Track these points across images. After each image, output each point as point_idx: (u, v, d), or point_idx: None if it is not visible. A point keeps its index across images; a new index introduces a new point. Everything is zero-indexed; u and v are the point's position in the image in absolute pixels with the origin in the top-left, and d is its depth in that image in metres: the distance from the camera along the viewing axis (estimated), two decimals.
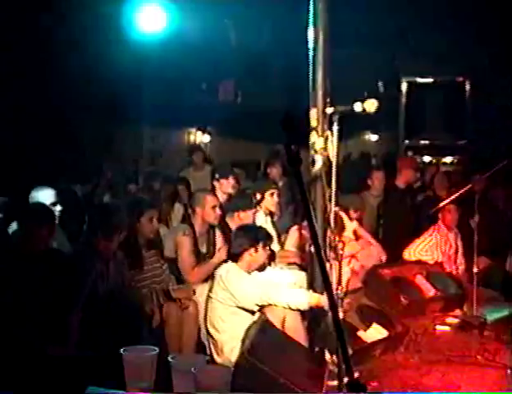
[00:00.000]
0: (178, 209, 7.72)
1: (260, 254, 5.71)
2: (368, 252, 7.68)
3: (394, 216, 8.03)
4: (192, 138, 15.12)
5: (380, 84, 10.61)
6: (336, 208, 7.29)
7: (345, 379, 2.08)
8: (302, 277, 6.01)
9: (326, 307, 4.50)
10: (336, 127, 4.36)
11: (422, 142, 11.00)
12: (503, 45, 9.34)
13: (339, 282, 4.56)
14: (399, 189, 8.42)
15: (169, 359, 2.55)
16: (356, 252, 7.43)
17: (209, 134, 15.05)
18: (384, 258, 7.79)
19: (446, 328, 6.85)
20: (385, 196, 8.45)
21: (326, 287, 2.04)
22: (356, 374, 5.05)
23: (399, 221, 7.99)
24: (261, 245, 5.69)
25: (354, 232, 7.64)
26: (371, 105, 4.20)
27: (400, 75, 10.65)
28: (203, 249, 6.48)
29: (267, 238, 5.82)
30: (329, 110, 4.53)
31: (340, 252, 4.49)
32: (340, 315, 4.60)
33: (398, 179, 8.41)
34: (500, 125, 10.91)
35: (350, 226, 7.54)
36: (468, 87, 10.42)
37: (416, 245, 8.00)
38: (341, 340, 1.93)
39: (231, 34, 10.63)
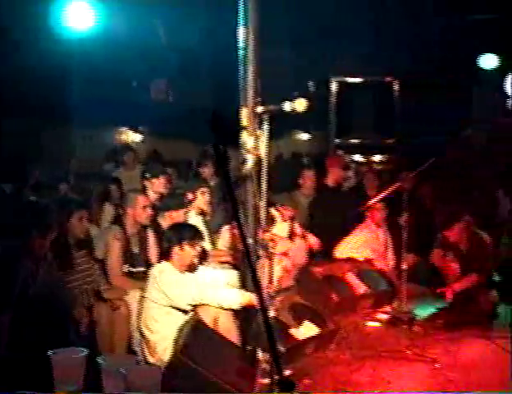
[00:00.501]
0: (108, 209, 7.62)
1: (187, 253, 5.67)
2: (302, 250, 7.74)
3: (323, 215, 8.10)
4: (123, 137, 14.97)
5: (310, 83, 10.69)
6: (273, 207, 7.41)
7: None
8: (234, 276, 6.02)
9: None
10: (266, 126, 4.38)
11: (352, 141, 11.13)
12: (428, 45, 9.54)
13: (270, 281, 4.59)
14: (328, 188, 8.49)
15: (98, 360, 2.51)
16: (288, 250, 7.48)
17: (141, 133, 14.93)
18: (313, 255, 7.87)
19: (377, 324, 6.98)
20: (313, 195, 8.51)
21: (256, 286, 2.04)
22: (288, 372, 5.12)
23: (329, 219, 8.05)
24: (187, 243, 5.66)
25: (290, 231, 7.72)
26: (300, 104, 4.23)
27: (329, 75, 10.75)
28: (136, 250, 6.43)
29: (194, 236, 5.79)
30: (259, 109, 4.54)
31: (271, 251, 4.52)
32: (272, 313, 4.63)
33: (327, 178, 8.48)
34: (428, 124, 11.15)
35: (283, 224, 7.59)
36: (396, 87, 10.59)
37: (346, 243, 8.09)
38: (271, 338, 1.94)
39: (162, 33, 10.56)
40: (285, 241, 7.60)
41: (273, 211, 7.35)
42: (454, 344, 6.37)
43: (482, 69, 9.84)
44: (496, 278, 7.63)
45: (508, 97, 10.13)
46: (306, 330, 6.09)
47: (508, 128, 10.03)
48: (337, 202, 8.39)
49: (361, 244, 8.08)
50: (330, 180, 8.47)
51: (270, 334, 1.98)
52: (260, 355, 4.71)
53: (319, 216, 8.19)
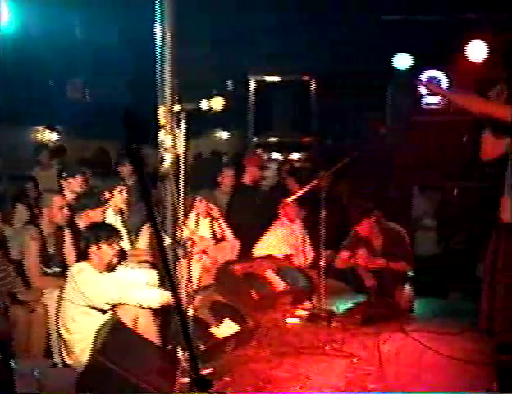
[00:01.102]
0: (20, 210, 7.46)
1: (105, 252, 5.61)
2: (224, 248, 7.76)
3: (241, 213, 8.12)
4: (40, 136, 14.66)
5: (229, 82, 10.69)
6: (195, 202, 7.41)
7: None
8: (154, 275, 5.98)
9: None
10: (183, 125, 4.38)
11: (271, 139, 11.20)
12: (345, 45, 9.67)
13: (189, 280, 4.58)
14: (245, 186, 8.50)
15: (10, 363, 2.47)
16: (206, 248, 7.49)
17: (57, 132, 14.66)
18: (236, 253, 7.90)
19: (296, 321, 7.04)
20: (231, 193, 8.54)
21: (171, 285, 2.04)
22: (208, 370, 5.11)
23: (246, 217, 8.09)
24: (104, 242, 5.60)
25: (212, 228, 7.73)
26: (216, 103, 4.24)
27: (248, 74, 10.78)
28: (52, 250, 6.31)
29: (112, 235, 5.73)
30: (176, 108, 4.52)
31: (190, 250, 4.51)
32: (191, 312, 4.63)
33: (244, 176, 8.50)
34: (345, 123, 11.33)
35: (205, 221, 7.61)
36: (313, 86, 10.71)
37: (264, 241, 8.15)
38: (187, 337, 1.94)
39: (79, 31, 10.40)
40: (205, 240, 7.62)
41: (197, 205, 7.39)
42: (371, 338, 6.49)
43: (396, 69, 10.04)
44: (412, 273, 7.80)
45: (422, 96, 10.37)
46: (226, 328, 6.10)
47: (422, 127, 10.28)
48: (255, 200, 8.43)
49: (278, 240, 8.15)
50: (247, 179, 8.50)
51: (186, 333, 1.98)
52: (180, 354, 4.71)
53: (236, 214, 8.22)
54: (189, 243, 4.51)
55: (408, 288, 7.43)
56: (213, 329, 6.12)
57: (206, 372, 5.19)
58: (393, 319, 7.09)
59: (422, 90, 10.34)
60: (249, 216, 8.18)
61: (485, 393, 4.55)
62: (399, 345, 6.32)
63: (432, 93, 10.01)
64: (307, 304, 7.49)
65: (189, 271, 4.59)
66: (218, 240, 7.87)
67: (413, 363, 5.87)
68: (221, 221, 7.90)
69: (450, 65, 10.00)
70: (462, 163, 9.77)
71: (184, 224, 4.79)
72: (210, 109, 4.24)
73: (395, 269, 7.56)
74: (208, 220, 7.84)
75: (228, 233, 7.88)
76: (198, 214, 7.62)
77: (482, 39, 9.48)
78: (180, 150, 4.52)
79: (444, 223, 9.27)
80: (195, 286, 5.82)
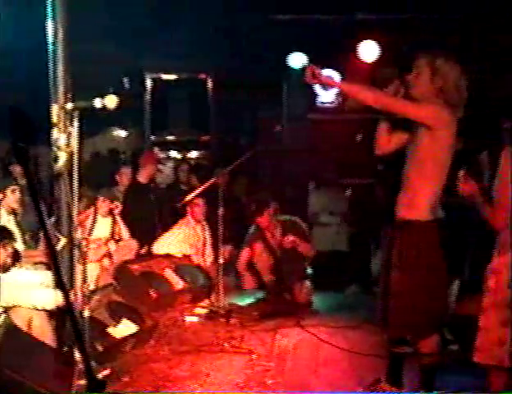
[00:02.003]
0: None
1: None
2: (122, 248, 7.68)
3: (136, 211, 8.04)
4: None
5: (125, 80, 10.57)
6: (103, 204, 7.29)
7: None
8: (49, 276, 5.85)
9: (75, 305, 4.43)
10: (76, 124, 4.31)
11: (168, 138, 11.15)
12: (242, 44, 9.73)
13: (84, 280, 4.52)
14: (140, 185, 8.40)
15: None
16: (107, 249, 7.41)
17: None
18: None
19: (195, 319, 7.04)
20: (127, 192, 8.44)
21: (60, 287, 2.01)
22: (107, 371, 5.05)
23: (141, 216, 8.02)
24: None
25: (112, 227, 7.64)
26: (111, 101, 4.19)
27: (144, 72, 10.69)
28: None
29: (5, 236, 5.59)
30: (69, 106, 4.45)
31: (85, 250, 4.45)
32: (87, 313, 4.57)
33: (140, 174, 8.40)
34: (242, 121, 11.40)
35: (104, 222, 7.51)
36: (210, 84, 10.72)
37: (165, 239, 8.12)
38: (79, 338, 1.93)
39: None
40: (105, 240, 7.54)
41: (100, 204, 7.29)
42: (269, 334, 6.58)
43: (291, 68, 10.16)
44: (310, 269, 7.94)
45: (316, 95, 10.53)
46: (124, 328, 6.04)
47: (317, 125, 10.44)
48: (150, 199, 8.36)
49: (180, 240, 8.13)
50: (143, 177, 8.39)
51: (78, 334, 1.96)
52: (77, 355, 4.63)
53: (132, 213, 8.12)
54: (84, 243, 4.46)
55: (306, 283, 7.55)
56: (111, 329, 6.05)
57: (104, 373, 5.13)
58: (291, 315, 7.20)
59: (317, 89, 10.52)
60: (145, 215, 8.12)
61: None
62: (297, 341, 6.43)
63: (325, 87, 10.23)
64: (206, 302, 7.51)
65: (85, 271, 4.53)
66: (117, 240, 7.79)
67: (310, 357, 5.98)
68: (119, 220, 7.82)
69: (343, 64, 10.20)
70: (356, 161, 10.00)
71: (80, 224, 4.72)
72: (104, 107, 4.19)
73: (299, 252, 7.66)
74: (108, 220, 7.75)
75: (125, 233, 7.81)
76: (96, 213, 7.51)
77: (373, 39, 9.70)
78: (75, 149, 4.45)
79: (340, 219, 9.46)
80: (93, 287, 5.75)
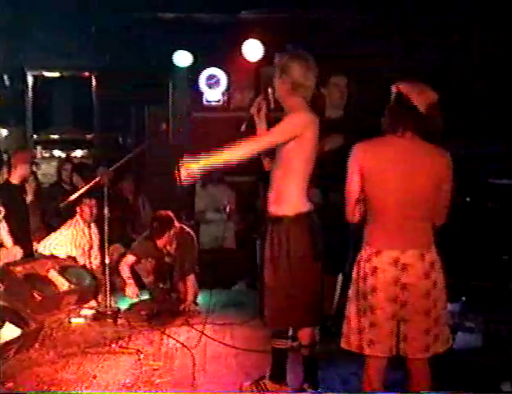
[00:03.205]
0: None
1: None
2: (6, 255, 7.46)
3: (10, 213, 7.75)
4: None
5: (5, 77, 10.26)
6: None
7: None
8: None
9: None
10: None
11: (52, 136, 10.93)
12: (130, 42, 9.66)
13: None
14: (12, 185, 8.08)
15: None
16: None
17: None
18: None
19: (81, 321, 6.95)
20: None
21: None
22: None
23: (16, 218, 7.75)
24: None
25: None
26: None
27: (25, 69, 10.42)
28: None
29: None
30: None
31: None
32: None
33: (12, 175, 8.06)
34: (128, 120, 11.30)
35: None
36: (94, 82, 10.56)
37: (51, 240, 7.95)
38: None
39: None
40: None
41: None
42: (157, 333, 6.58)
43: (176, 66, 10.14)
44: (196, 267, 7.95)
45: (202, 93, 10.56)
46: (7, 332, 5.92)
47: (202, 123, 10.47)
48: (24, 199, 8.11)
49: (66, 240, 7.98)
50: (15, 177, 8.04)
51: None
52: None
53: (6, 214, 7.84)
54: None
55: (192, 282, 7.57)
56: None
57: None
58: (178, 313, 7.22)
59: (203, 87, 10.55)
60: (20, 216, 7.85)
61: None
62: (184, 339, 6.45)
63: (210, 86, 10.33)
64: (92, 303, 7.42)
65: None
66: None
67: (198, 354, 6.02)
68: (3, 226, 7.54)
69: (228, 63, 10.28)
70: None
71: None
72: None
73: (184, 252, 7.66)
74: None
75: (7, 239, 7.51)
76: None
77: (257, 39, 9.80)
78: None
79: (226, 216, 9.52)
80: None
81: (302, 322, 4.73)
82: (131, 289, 7.64)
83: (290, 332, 4.86)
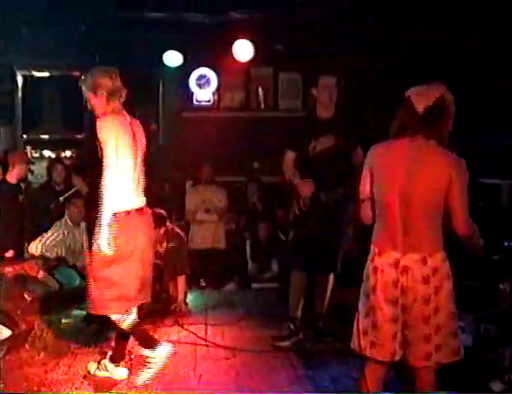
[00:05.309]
0: None
1: None
2: None
3: (4, 211, 7.73)
4: None
5: None
6: None
7: None
8: None
9: None
10: None
11: (42, 137, 10.89)
12: (118, 41, 9.63)
13: None
14: (9, 184, 8.10)
15: None
16: None
17: None
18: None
19: (71, 321, 6.94)
20: None
21: None
22: None
23: (10, 218, 7.73)
24: None
25: None
26: None
27: (14, 69, 10.37)
28: None
29: None
30: None
31: None
32: None
33: (9, 174, 8.11)
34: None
35: None
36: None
37: (43, 241, 7.92)
38: None
39: None
40: None
41: None
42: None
43: (167, 66, 10.12)
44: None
45: (192, 93, 10.54)
46: None
47: (193, 123, 10.45)
48: (19, 199, 8.09)
49: (57, 241, 7.96)
50: (12, 177, 8.07)
51: None
52: None
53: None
54: None
55: (183, 282, 7.56)
56: None
57: None
58: (169, 313, 7.21)
59: (193, 88, 10.55)
60: (14, 216, 7.83)
61: None
62: (175, 339, 6.45)
63: (200, 86, 10.36)
64: (83, 304, 7.39)
65: None
66: None
67: (189, 355, 6.03)
68: None
69: (218, 64, 10.27)
70: (231, 158, 10.12)
71: None
72: None
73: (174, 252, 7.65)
74: None
75: None
76: None
77: (248, 39, 9.80)
78: None
79: (217, 217, 9.53)
80: None
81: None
82: None
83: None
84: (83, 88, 5.22)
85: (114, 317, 5.15)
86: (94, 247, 4.89)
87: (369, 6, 8.90)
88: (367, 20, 9.20)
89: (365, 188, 3.91)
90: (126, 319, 5.14)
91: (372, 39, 9.45)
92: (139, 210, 5.15)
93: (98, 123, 4.90)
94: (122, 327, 5.16)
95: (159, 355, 5.12)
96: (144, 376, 5.12)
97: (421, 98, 3.71)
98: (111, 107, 5.04)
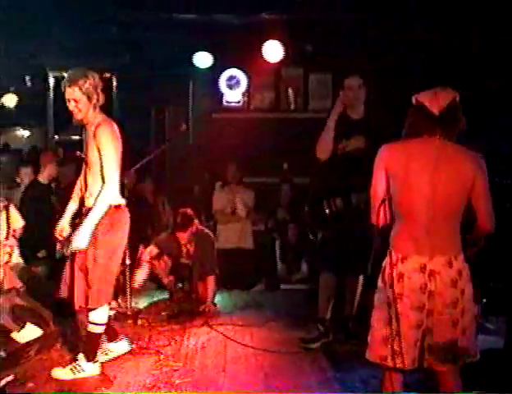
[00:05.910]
0: None
1: None
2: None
3: (34, 211, 7.80)
4: None
5: (27, 78, 10.31)
6: None
7: None
8: None
9: None
10: None
11: (72, 137, 10.97)
12: (146, 42, 9.67)
13: None
14: (40, 184, 8.18)
15: None
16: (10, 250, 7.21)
17: None
18: None
19: None
20: (26, 192, 8.22)
21: None
22: (10, 377, 4.94)
23: (40, 216, 7.79)
24: None
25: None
26: (10, 100, 4.14)
27: (46, 70, 10.46)
28: None
29: None
30: None
31: None
32: None
33: (41, 174, 8.19)
34: (148, 121, 11.30)
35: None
36: (114, 83, 10.57)
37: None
38: None
39: None
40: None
41: None
42: (177, 334, 6.60)
43: (197, 67, 10.14)
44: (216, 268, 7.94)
45: (222, 94, 10.57)
46: (28, 333, 5.96)
47: (223, 124, 10.47)
48: (50, 198, 8.17)
49: None
50: (43, 177, 8.16)
51: None
52: None
53: (29, 213, 7.88)
54: None
55: (212, 282, 7.56)
56: (15, 334, 5.96)
57: (7, 379, 5.04)
58: (198, 314, 7.23)
59: (223, 88, 10.56)
60: (44, 214, 7.89)
61: None
62: (204, 339, 6.46)
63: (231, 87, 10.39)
64: (113, 304, 7.42)
65: None
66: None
67: (218, 355, 6.03)
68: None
69: (248, 64, 10.27)
70: (262, 159, 10.11)
71: None
72: (3, 106, 4.12)
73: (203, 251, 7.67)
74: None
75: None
76: None
77: (277, 40, 9.79)
78: None
79: (245, 217, 9.52)
80: None
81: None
82: (141, 274, 7.71)
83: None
84: (74, 89, 5.27)
85: (99, 310, 5.32)
86: (74, 239, 5.08)
87: (369, 7, 8.88)
88: (366, 21, 9.18)
89: (382, 188, 3.81)
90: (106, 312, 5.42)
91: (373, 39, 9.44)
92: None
93: (101, 128, 5.27)
94: (99, 322, 5.38)
95: (120, 349, 5.66)
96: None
97: (434, 101, 3.68)
98: (100, 115, 5.35)
